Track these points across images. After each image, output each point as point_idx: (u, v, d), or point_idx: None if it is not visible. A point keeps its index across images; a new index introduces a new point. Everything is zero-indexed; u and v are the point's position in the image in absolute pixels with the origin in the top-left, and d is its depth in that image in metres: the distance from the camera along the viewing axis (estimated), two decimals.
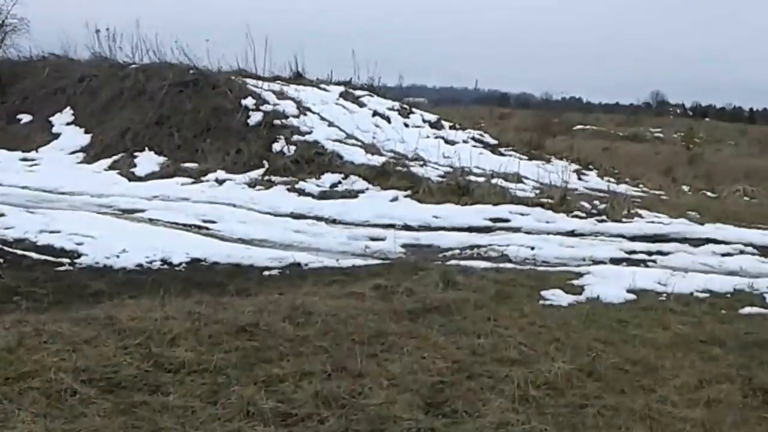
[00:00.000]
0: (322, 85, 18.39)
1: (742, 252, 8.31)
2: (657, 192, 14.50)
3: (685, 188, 15.42)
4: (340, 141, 13.15)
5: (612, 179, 15.34)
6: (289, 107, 14.35)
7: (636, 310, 5.78)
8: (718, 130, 46.24)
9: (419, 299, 5.54)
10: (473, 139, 17.49)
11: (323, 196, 10.75)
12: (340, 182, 11.20)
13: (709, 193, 14.95)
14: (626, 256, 8.03)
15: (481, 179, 11.96)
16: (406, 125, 17.51)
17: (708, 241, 8.64)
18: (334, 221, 9.74)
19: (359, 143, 13.58)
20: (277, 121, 13.26)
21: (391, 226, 9.46)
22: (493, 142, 17.50)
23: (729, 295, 6.46)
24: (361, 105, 17.67)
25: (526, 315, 5.36)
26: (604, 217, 9.54)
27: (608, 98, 77.69)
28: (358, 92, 18.27)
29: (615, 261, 7.85)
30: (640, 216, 9.95)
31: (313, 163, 11.76)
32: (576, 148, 22.38)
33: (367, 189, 10.93)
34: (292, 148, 12.23)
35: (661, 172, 17.26)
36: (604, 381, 4.08)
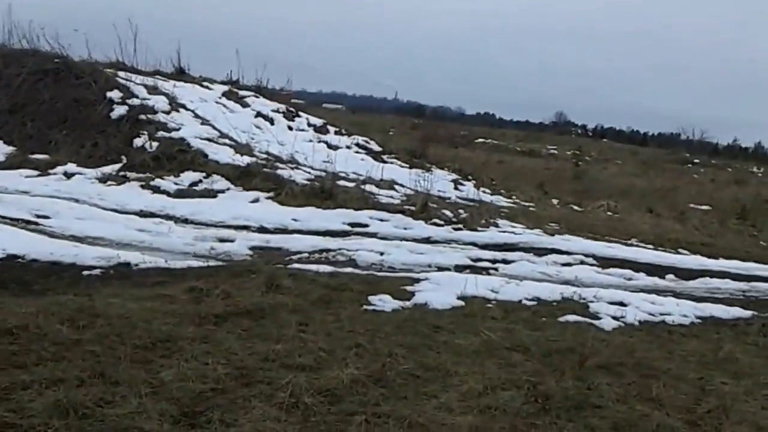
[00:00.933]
0: (206, 83, 18.04)
1: (582, 262, 8.54)
2: (527, 204, 14.81)
3: (555, 201, 15.77)
4: (210, 140, 12.84)
5: (487, 190, 15.56)
6: (160, 103, 13.92)
7: (457, 316, 5.80)
8: (611, 150, 48.52)
9: (233, 303, 5.40)
10: (357, 145, 17.45)
11: (180, 194, 10.43)
12: (201, 181, 10.90)
13: (576, 207, 15.35)
14: (471, 263, 8.10)
15: (352, 184, 11.90)
16: (290, 128, 17.36)
17: (552, 251, 8.84)
18: (185, 221, 9.44)
19: (232, 143, 13.31)
20: (143, 116, 12.82)
21: (246, 227, 9.29)
22: (378, 149, 17.50)
23: (555, 303, 6.61)
24: (245, 105, 17.43)
25: (340, 320, 5.29)
26: (460, 226, 9.60)
27: (520, 116, 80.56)
28: (243, 92, 18.03)
29: (459, 268, 7.90)
30: (497, 225, 10.08)
31: (175, 160, 11.41)
32: (462, 158, 22.82)
33: (228, 189, 10.68)
34: (155, 144, 11.84)
35: (536, 186, 17.60)
36: (390, 388, 4.03)
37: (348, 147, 17.06)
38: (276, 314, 5.23)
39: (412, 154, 17.66)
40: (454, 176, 16.60)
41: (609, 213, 15.17)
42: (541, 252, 8.77)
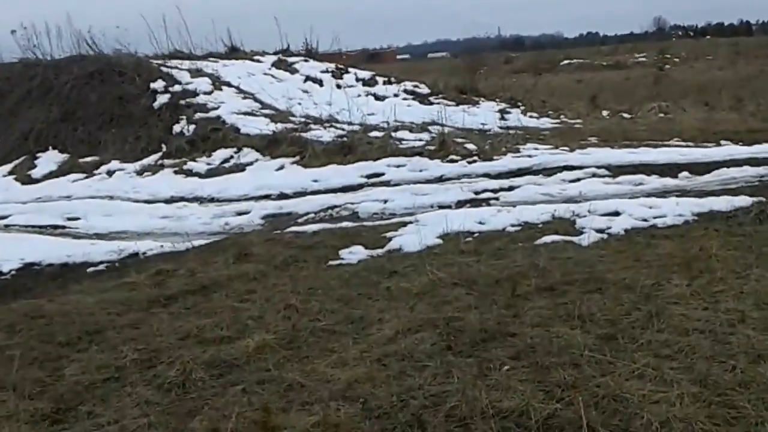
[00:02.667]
0: (256, 57, 18.07)
1: (594, 175, 8.03)
2: (573, 121, 14.07)
3: (605, 113, 14.92)
4: (248, 113, 12.87)
5: (535, 114, 14.92)
6: (202, 85, 14.05)
7: (424, 257, 5.56)
8: (708, 47, 45.26)
9: (192, 281, 5.37)
10: (405, 91, 17.09)
11: (210, 174, 10.53)
12: (231, 157, 10.95)
13: (626, 115, 14.47)
14: (474, 197, 7.82)
15: (382, 134, 11.69)
16: (339, 86, 17.21)
17: (564, 168, 8.37)
18: (212, 200, 9.54)
19: (272, 112, 13.30)
20: (183, 101, 12.95)
21: (267, 196, 9.30)
22: (426, 92, 17.09)
23: (541, 225, 6.27)
24: (293, 72, 17.36)
25: (294, 281, 5.17)
26: (476, 158, 9.23)
27: (624, 29, 76.97)
28: (292, 59, 17.97)
29: (461, 203, 7.62)
30: (518, 151, 9.62)
31: (209, 140, 11.50)
32: (531, 84, 22.03)
33: (257, 161, 10.68)
34: (192, 127, 11.97)
35: (588, 100, 16.69)
36: (297, 349, 3.91)
37: (396, 95, 16.74)
38: (230, 286, 5.18)
39: (461, 91, 17.11)
40: (503, 105, 15.99)
41: (660, 115, 14.22)
42: (551, 172, 8.32)
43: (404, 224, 6.77)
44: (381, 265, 5.45)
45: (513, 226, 6.34)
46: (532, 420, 2.84)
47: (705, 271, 4.57)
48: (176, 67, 14.80)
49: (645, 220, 6.14)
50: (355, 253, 5.90)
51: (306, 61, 17.88)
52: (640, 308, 3.98)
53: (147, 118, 12.80)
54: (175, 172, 10.78)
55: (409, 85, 17.58)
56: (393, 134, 11.47)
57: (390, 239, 6.22)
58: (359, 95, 16.42)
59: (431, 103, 15.82)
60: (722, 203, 6.32)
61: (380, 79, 17.62)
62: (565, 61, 44.00)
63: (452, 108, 15.29)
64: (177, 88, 13.57)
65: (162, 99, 13.18)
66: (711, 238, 5.33)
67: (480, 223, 6.53)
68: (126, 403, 3.35)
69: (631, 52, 46.50)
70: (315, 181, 9.53)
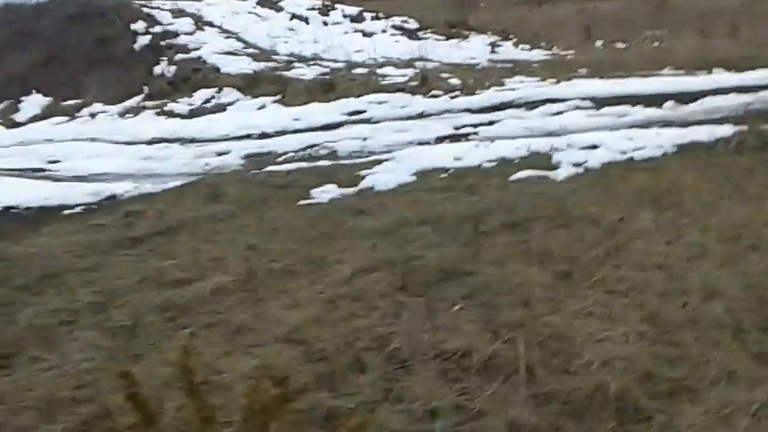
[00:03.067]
0: None
1: (577, 107, 7.85)
2: (565, 52, 13.79)
3: (599, 43, 14.60)
4: (231, 53, 12.67)
5: (527, 46, 14.63)
6: (184, 25, 13.84)
7: (395, 195, 5.47)
8: None
9: (161, 222, 5.29)
10: (393, 27, 16.79)
11: (191, 114, 10.40)
12: (213, 97, 10.82)
13: (620, 45, 14.15)
14: (454, 132, 7.67)
15: (366, 70, 11.47)
16: (325, 23, 16.92)
17: (546, 101, 8.19)
18: (192, 140, 9.39)
19: (255, 51, 13.07)
20: (163, 42, 12.74)
21: (249, 136, 9.16)
22: (415, 26, 16.76)
23: (517, 160, 6.12)
24: (279, 10, 17.07)
25: (262, 220, 5.08)
26: (458, 93, 9.05)
27: None
28: None
29: (440, 139, 7.52)
30: (502, 85, 9.42)
31: (189, 81, 11.36)
32: (529, 18, 21.55)
33: (238, 100, 10.53)
34: (173, 68, 11.78)
35: (582, 30, 16.35)
36: (253, 291, 3.82)
37: (383, 31, 16.46)
38: (197, 227, 5.10)
39: (451, 25, 16.78)
40: (494, 39, 15.69)
41: (655, 44, 13.91)
42: (533, 105, 8.17)
43: (381, 162, 6.67)
44: (350, 204, 5.36)
45: (489, 161, 6.24)
46: (473, 361, 2.78)
47: (674, 204, 4.48)
48: (158, 8, 14.57)
49: (623, 152, 6.04)
50: (327, 192, 5.79)
51: None
52: (602, 244, 3.89)
53: (128, 60, 12.64)
54: (157, 114, 10.64)
55: (397, 20, 17.27)
56: (377, 71, 11.28)
57: (364, 177, 6.11)
58: (346, 32, 16.21)
59: (419, 38, 15.60)
60: (703, 133, 6.20)
61: (368, 15, 17.32)
62: None
63: (441, 42, 15.07)
64: (158, 29, 13.39)
65: (143, 40, 13.00)
66: (687, 170, 5.21)
67: (456, 159, 6.42)
68: (72, 347, 3.30)
69: None
70: (296, 119, 9.38)
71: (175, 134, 9.69)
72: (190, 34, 13.44)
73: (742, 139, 5.81)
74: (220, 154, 8.44)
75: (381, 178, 6.00)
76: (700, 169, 5.22)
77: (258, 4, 17.05)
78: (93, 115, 11.04)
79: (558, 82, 9.45)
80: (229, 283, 3.89)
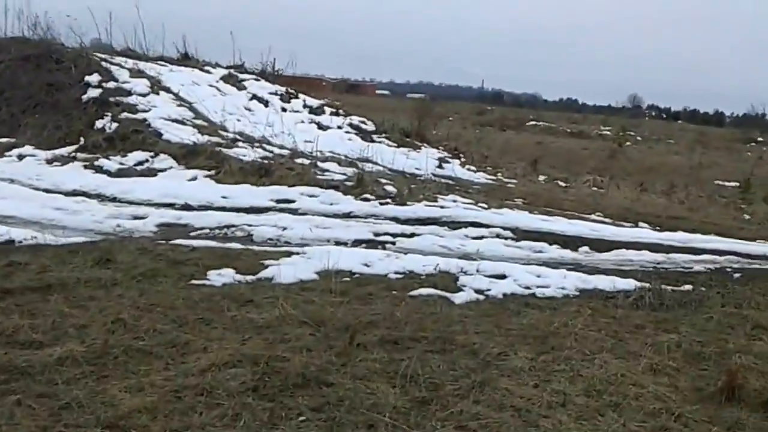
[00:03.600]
0: (207, 68, 17.94)
1: (498, 236, 7.94)
2: (508, 180, 14.11)
3: (542, 178, 15.00)
4: (178, 121, 12.61)
5: (473, 167, 14.94)
6: (139, 86, 13.79)
7: (291, 291, 5.37)
8: (672, 130, 46.17)
9: (40, 278, 5.13)
10: (350, 125, 17.02)
11: (120, 173, 10.23)
12: (147, 160, 10.68)
13: (561, 183, 14.55)
14: (372, 237, 7.66)
15: (308, 161, 11.52)
16: (284, 109, 17.11)
17: (472, 224, 8.27)
18: (114, 199, 9.22)
19: (204, 123, 13.07)
20: (113, 98, 12.67)
21: (171, 205, 9.02)
22: (371, 129, 17.04)
23: (424, 276, 6.13)
24: (241, 88, 17.23)
25: (144, 294, 4.92)
26: (389, 201, 9.11)
27: (604, 101, 79.25)
28: (244, 76, 17.90)
29: (357, 242, 7.48)
30: (435, 200, 9.51)
31: (128, 140, 11.23)
32: (490, 139, 22.08)
33: (171, 168, 10.42)
34: (115, 125, 11.67)
35: (530, 162, 16.83)
36: (103, 366, 3.66)
37: (339, 127, 16.67)
38: (74, 289, 4.91)
39: (406, 134, 17.13)
40: (444, 155, 16.01)
41: (594, 188, 14.33)
42: (458, 226, 8.23)
43: (290, 254, 6.59)
44: (241, 292, 5.23)
45: (396, 273, 6.20)
46: None
47: (556, 347, 4.46)
48: (119, 65, 14.55)
49: (528, 287, 6.05)
50: (223, 276, 5.68)
51: (257, 80, 17.81)
52: (470, 376, 3.83)
53: (72, 109, 12.51)
54: (85, 167, 10.46)
55: (356, 119, 17.54)
56: (319, 164, 11.33)
57: (267, 267, 6.01)
58: (302, 121, 16.38)
59: (372, 141, 15.80)
60: (606, 283, 6.27)
61: (328, 110, 17.57)
62: (532, 122, 44.70)
63: (393, 149, 15.28)
64: (111, 84, 13.33)
65: (92, 93, 12.91)
66: (580, 316, 5.24)
67: (365, 265, 6.38)
68: None
69: (597, 124, 47.28)
70: (224, 197, 9.30)
71: (97, 190, 9.51)
72: (144, 95, 13.39)
73: (641, 295, 5.88)
74: (136, 217, 8.27)
75: (284, 271, 5.91)
76: (593, 318, 5.25)
77: (222, 79, 17.20)
78: (21, 157, 10.80)
79: (489, 207, 9.58)
80: (81, 353, 3.72)
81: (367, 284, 5.80)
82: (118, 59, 15.27)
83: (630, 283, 6.22)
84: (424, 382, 3.70)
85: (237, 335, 4.26)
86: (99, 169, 10.33)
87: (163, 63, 16.96)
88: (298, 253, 6.61)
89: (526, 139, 31.63)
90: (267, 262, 6.20)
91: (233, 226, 7.92)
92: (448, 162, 15.29)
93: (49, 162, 10.56)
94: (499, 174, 14.79)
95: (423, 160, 14.92)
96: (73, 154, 10.89)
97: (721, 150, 33.98)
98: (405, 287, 5.76)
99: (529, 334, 4.74)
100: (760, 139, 42.80)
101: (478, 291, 5.83)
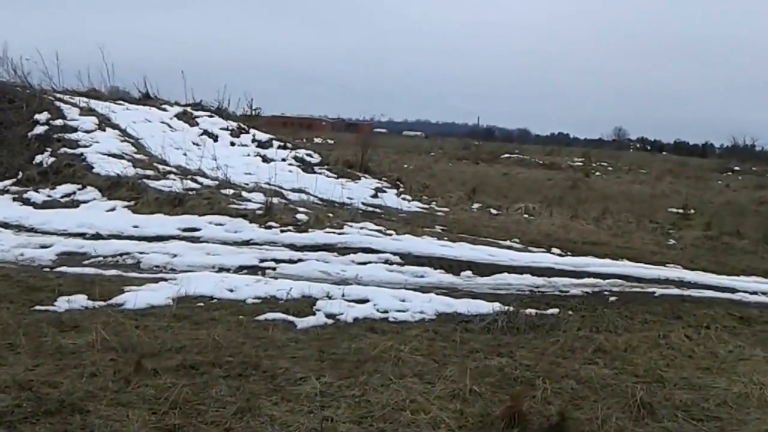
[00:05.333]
0: (164, 106, 17.79)
1: (386, 261, 7.67)
2: (439, 208, 13.86)
3: (476, 206, 14.75)
4: (115, 155, 12.33)
5: (408, 197, 14.69)
6: (87, 123, 13.55)
7: (126, 315, 5.06)
8: (648, 161, 45.84)
9: None
10: (295, 158, 16.81)
11: (45, 205, 9.96)
12: (74, 192, 10.43)
13: (493, 210, 14.29)
14: (257, 264, 7.38)
15: (235, 191, 11.26)
16: (233, 144, 16.95)
17: (365, 250, 8.00)
18: (32, 229, 8.94)
19: (144, 158, 12.81)
20: (56, 135, 12.43)
21: (82, 234, 8.74)
22: (316, 161, 16.84)
23: (282, 301, 5.80)
24: (193, 125, 17.05)
25: None
26: (291, 228, 8.84)
27: (594, 135, 79.31)
28: (199, 113, 17.74)
29: (242, 268, 7.22)
30: (341, 227, 9.24)
31: (60, 174, 10.98)
32: (446, 170, 21.81)
33: (94, 200, 10.16)
34: (51, 160, 11.41)
35: (469, 191, 16.59)
36: None
37: (283, 159, 16.46)
38: None
39: (349, 165, 16.93)
40: (383, 184, 15.78)
41: (525, 215, 14.07)
42: (348, 251, 7.95)
43: (160, 280, 6.31)
44: (75, 318, 4.93)
45: (257, 298, 5.93)
46: None
47: (365, 373, 4.17)
48: (71, 103, 14.36)
49: (386, 311, 5.78)
50: (71, 302, 5.40)
51: (210, 116, 17.66)
52: (237, 403, 3.52)
53: (16, 146, 12.25)
54: (14, 199, 10.20)
55: (302, 152, 17.34)
56: (244, 194, 11.07)
57: (124, 293, 5.72)
58: (248, 154, 16.19)
59: (313, 172, 15.59)
60: (469, 306, 6.00)
61: (276, 143, 17.38)
62: (506, 155, 44.51)
63: (330, 179, 15.07)
64: (59, 122, 13.10)
65: (38, 130, 12.68)
66: (416, 340, 4.96)
67: (230, 290, 6.10)
68: None
69: (572, 156, 46.95)
70: (135, 226, 9.01)
71: (19, 221, 9.22)
72: (88, 131, 13.14)
73: (494, 319, 5.60)
74: (42, 246, 7.98)
75: (137, 297, 5.62)
76: (430, 342, 4.97)
77: (176, 116, 17.03)
78: None
79: (395, 234, 9.31)
80: None
81: (218, 309, 5.53)
82: (72, 99, 15.06)
83: (493, 307, 5.93)
84: (188, 409, 3.39)
85: (33, 360, 3.95)
86: (26, 202, 10.08)
87: (121, 102, 16.86)
88: (167, 279, 6.33)
89: (494, 170, 31.30)
90: (129, 288, 5.93)
91: (127, 254, 7.64)
92: (384, 192, 15.05)
93: None
94: (433, 203, 14.54)
95: (358, 190, 14.72)
96: (7, 187, 10.62)
97: (691, 179, 33.53)
98: (255, 312, 5.48)
99: (349, 358, 4.46)
100: (737, 168, 42.17)
101: (329, 315, 5.56)
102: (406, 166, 24.51)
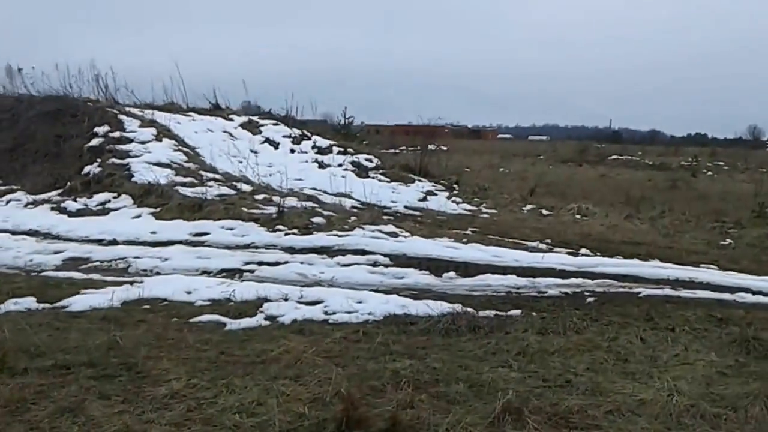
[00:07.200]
0: (232, 116, 18.28)
1: (375, 263, 7.48)
2: (488, 210, 13.41)
3: (527, 207, 14.16)
4: (161, 164, 12.72)
5: (458, 199, 14.35)
6: (145, 134, 14.07)
7: (60, 318, 5.16)
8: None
9: None
10: (352, 163, 16.82)
11: (78, 213, 10.38)
12: (109, 201, 10.80)
13: (545, 211, 13.67)
14: (240, 267, 7.35)
15: (262, 196, 11.35)
16: (293, 151, 17.17)
17: (358, 252, 7.83)
18: (58, 237, 9.33)
19: (194, 166, 13.17)
20: (109, 146, 12.97)
21: (100, 241, 9.04)
22: (371, 166, 16.79)
23: (232, 303, 5.75)
24: (256, 133, 17.41)
25: None
26: (295, 231, 8.79)
27: (733, 134, 74.37)
28: (264, 122, 18.12)
29: (224, 271, 7.23)
30: (352, 229, 9.09)
31: (101, 183, 11.41)
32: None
33: (124, 207, 10.49)
34: (98, 170, 11.92)
35: (526, 192, 16.00)
36: None
37: (339, 165, 16.50)
38: None
39: (407, 169, 16.73)
40: (436, 187, 15.50)
41: (578, 216, 13.38)
42: (337, 253, 7.81)
43: (122, 283, 6.41)
44: (9, 319, 5.05)
45: (209, 300, 5.90)
46: None
47: (251, 373, 4.04)
48: (135, 116, 14.91)
49: (333, 313, 5.61)
50: (18, 304, 5.58)
51: (276, 125, 17.91)
52: (66, 401, 3.46)
53: (72, 158, 12.84)
54: (52, 208, 10.69)
55: (362, 157, 17.31)
56: (274, 198, 11.13)
57: (76, 295, 5.84)
58: (306, 161, 16.32)
59: (367, 176, 15.52)
60: (421, 308, 5.70)
61: (336, 149, 17.41)
62: (614, 156, 42.74)
63: (382, 184, 14.96)
64: (117, 134, 13.61)
65: (94, 142, 13.23)
66: (338, 342, 4.76)
67: (187, 292, 6.10)
68: None
69: (696, 155, 44.16)
70: (153, 232, 9.24)
71: (49, 229, 9.63)
72: (144, 143, 13.63)
73: (438, 321, 5.29)
74: (56, 252, 8.32)
75: (87, 300, 5.72)
76: (347, 344, 4.76)
77: (241, 125, 17.42)
78: (7, 202, 11.21)
79: (412, 235, 9.06)
80: None
81: (160, 311, 5.54)
82: (140, 112, 15.63)
83: (442, 308, 5.63)
84: (22, 408, 3.36)
85: None
86: (62, 210, 10.54)
87: (190, 114, 17.40)
88: (132, 283, 6.39)
89: (593, 172, 29.88)
90: (86, 291, 6.03)
91: (122, 258, 7.82)
92: (434, 194, 14.76)
93: (26, 205, 10.87)
94: (482, 205, 14.10)
95: (408, 193, 14.52)
96: (51, 197, 11.17)
97: None
98: (192, 314, 5.45)
99: (243, 360, 4.32)
100: None
101: (269, 317, 5.46)
102: (467, 169, 23.87)
